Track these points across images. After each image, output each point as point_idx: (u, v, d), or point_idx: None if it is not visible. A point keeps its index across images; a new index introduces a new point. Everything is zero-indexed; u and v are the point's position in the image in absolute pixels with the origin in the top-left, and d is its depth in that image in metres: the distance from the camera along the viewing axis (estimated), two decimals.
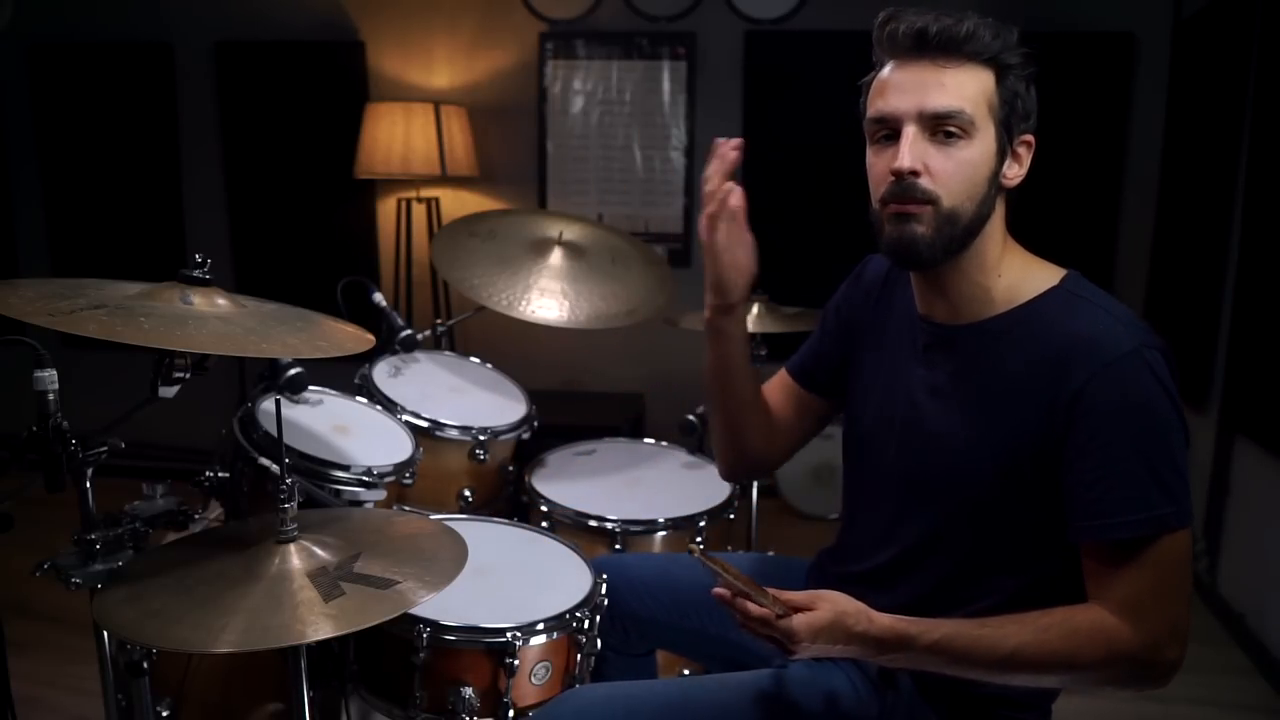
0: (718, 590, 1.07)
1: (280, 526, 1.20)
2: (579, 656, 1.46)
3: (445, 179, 3.72)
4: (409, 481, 1.75)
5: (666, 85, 3.83)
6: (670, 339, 2.54)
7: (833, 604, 1.09)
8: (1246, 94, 2.89)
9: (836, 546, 1.46)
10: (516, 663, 1.37)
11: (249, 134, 4.07)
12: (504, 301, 2.08)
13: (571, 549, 1.64)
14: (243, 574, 1.15)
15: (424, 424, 1.92)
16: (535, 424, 2.13)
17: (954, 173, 1.13)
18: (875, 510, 1.33)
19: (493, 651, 1.38)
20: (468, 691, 1.37)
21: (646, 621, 1.53)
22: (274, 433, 1.36)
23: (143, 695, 1.32)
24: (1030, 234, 1.24)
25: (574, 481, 2.02)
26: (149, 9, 4.02)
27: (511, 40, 3.88)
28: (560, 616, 1.42)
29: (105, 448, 1.18)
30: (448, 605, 1.35)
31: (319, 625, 1.07)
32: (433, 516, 1.49)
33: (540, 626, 1.40)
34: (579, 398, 3.91)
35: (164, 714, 1.48)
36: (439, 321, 2.40)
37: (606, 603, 1.50)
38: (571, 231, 2.26)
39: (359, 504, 1.66)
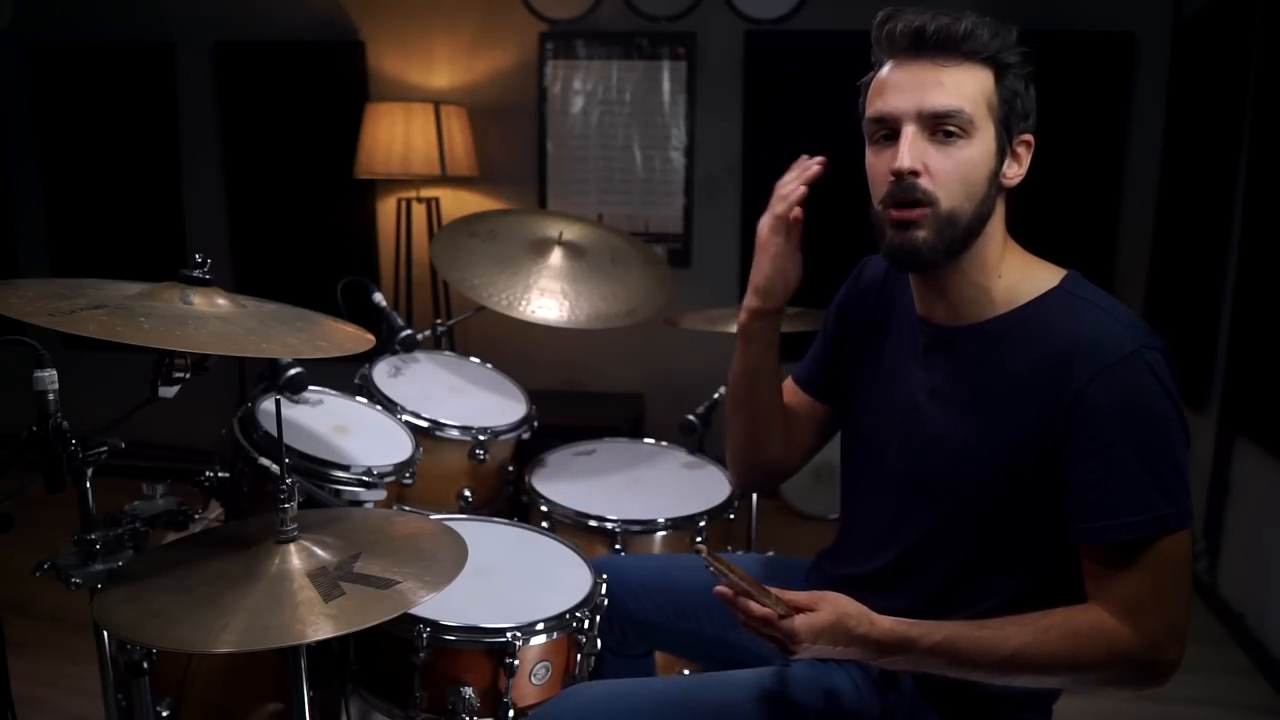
0: (720, 589, 1.07)
1: (280, 526, 1.20)
2: (579, 656, 1.46)
3: (445, 179, 3.72)
4: (409, 481, 1.75)
5: (666, 85, 3.83)
6: (670, 339, 2.54)
7: (834, 605, 1.09)
8: (1246, 94, 2.89)
9: (836, 548, 1.46)
10: (516, 663, 1.37)
11: (249, 134, 4.07)
12: (504, 301, 2.08)
13: (571, 549, 1.64)
14: (243, 574, 1.15)
15: (424, 424, 1.92)
16: (535, 424, 2.13)
17: (953, 172, 1.12)
18: (875, 512, 1.33)
19: (493, 651, 1.38)
20: (468, 691, 1.37)
21: (644, 623, 1.52)
22: (274, 433, 1.36)
23: (143, 695, 1.32)
24: (1030, 234, 1.24)
25: (574, 481, 2.02)
26: (149, 9, 4.02)
27: (511, 40, 3.88)
28: (560, 616, 1.42)
29: (105, 448, 1.18)
30: (448, 605, 1.35)
31: (319, 625, 1.07)
32: (433, 516, 1.49)
33: (540, 626, 1.40)
34: (579, 398, 3.91)
35: (164, 714, 1.48)
36: (439, 321, 2.40)
37: (606, 603, 1.50)
38: (571, 231, 2.26)
39: (359, 504, 1.66)
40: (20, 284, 1.19)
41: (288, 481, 1.20)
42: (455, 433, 1.95)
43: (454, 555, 1.25)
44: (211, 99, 4.06)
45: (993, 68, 1.14)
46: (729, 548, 2.05)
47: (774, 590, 1.08)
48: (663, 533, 1.88)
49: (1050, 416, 1.11)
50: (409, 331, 2.12)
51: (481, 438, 1.97)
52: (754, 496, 2.30)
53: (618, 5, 3.79)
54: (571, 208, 3.86)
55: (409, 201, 3.80)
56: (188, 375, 1.24)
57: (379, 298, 2.14)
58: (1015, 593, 1.18)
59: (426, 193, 3.84)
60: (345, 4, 3.92)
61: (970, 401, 1.20)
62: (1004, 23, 1.14)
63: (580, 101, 3.90)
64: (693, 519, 1.89)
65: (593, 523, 1.85)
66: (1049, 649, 1.08)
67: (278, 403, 1.30)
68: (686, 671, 1.78)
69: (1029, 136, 1.19)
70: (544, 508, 1.90)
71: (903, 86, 1.14)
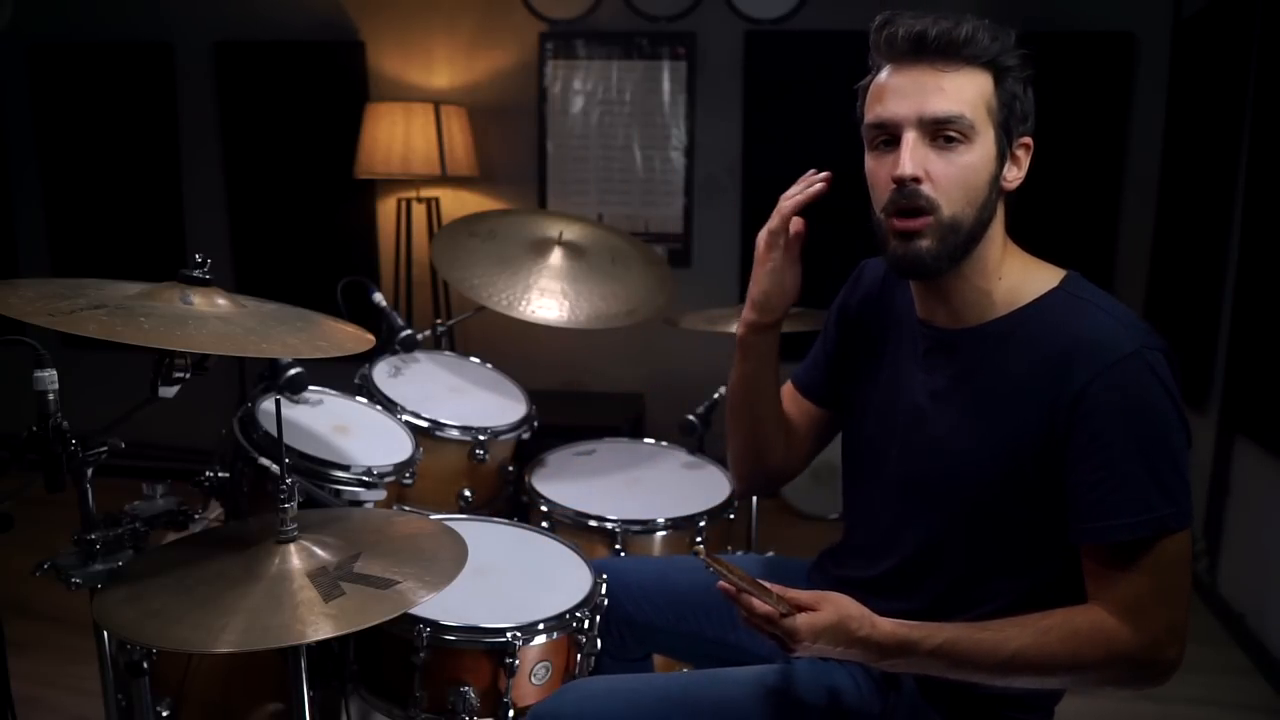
0: (723, 584, 1.07)
1: (280, 526, 1.20)
2: (579, 656, 1.46)
3: (445, 179, 3.72)
4: (409, 481, 1.75)
5: (666, 85, 3.83)
6: (670, 339, 2.54)
7: (836, 606, 1.09)
8: (1246, 94, 2.89)
9: (838, 550, 1.46)
10: (516, 663, 1.37)
11: (249, 134, 4.07)
12: (504, 301, 2.08)
13: (571, 549, 1.64)
14: (243, 574, 1.15)
15: (424, 424, 1.92)
16: (535, 424, 2.13)
17: (955, 178, 1.12)
18: (877, 515, 1.33)
19: (493, 651, 1.38)
20: (468, 691, 1.37)
21: (644, 626, 1.52)
22: (274, 433, 1.36)
23: (143, 695, 1.32)
24: (1030, 234, 1.24)
25: (574, 481, 2.02)
26: (149, 9, 4.02)
27: (511, 40, 3.88)
28: (560, 616, 1.42)
29: (105, 448, 1.18)
30: (448, 605, 1.35)
31: (319, 625, 1.07)
32: (433, 516, 1.49)
33: (540, 626, 1.40)
34: (579, 398, 3.91)
35: (164, 714, 1.48)
36: (439, 321, 2.40)
37: (606, 604, 1.50)
38: (571, 231, 2.26)
39: (359, 504, 1.66)
40: (20, 284, 1.20)
41: (288, 481, 1.20)
42: (455, 433, 1.95)
43: (454, 555, 1.25)
44: (211, 99, 4.06)
45: (992, 71, 1.13)
46: (729, 548, 2.05)
47: (776, 588, 1.08)
48: (663, 533, 1.88)
49: (1051, 417, 1.11)
50: (409, 331, 2.12)
51: (481, 438, 1.97)
52: (754, 497, 2.30)
53: (618, 5, 3.79)
54: (571, 208, 3.86)
55: (409, 201, 3.80)
56: (188, 375, 1.24)
57: (379, 298, 2.14)
58: (1017, 594, 1.18)
59: (426, 193, 3.84)
60: (345, 4, 3.92)
61: (972, 404, 1.20)
62: (1003, 25, 1.14)
63: (580, 101, 3.90)
64: (693, 519, 1.89)
65: (593, 523, 1.86)
66: (1049, 650, 1.08)
67: (278, 403, 1.30)
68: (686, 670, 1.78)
69: (1028, 139, 1.18)
70: (544, 508, 1.90)
71: (903, 92, 1.13)
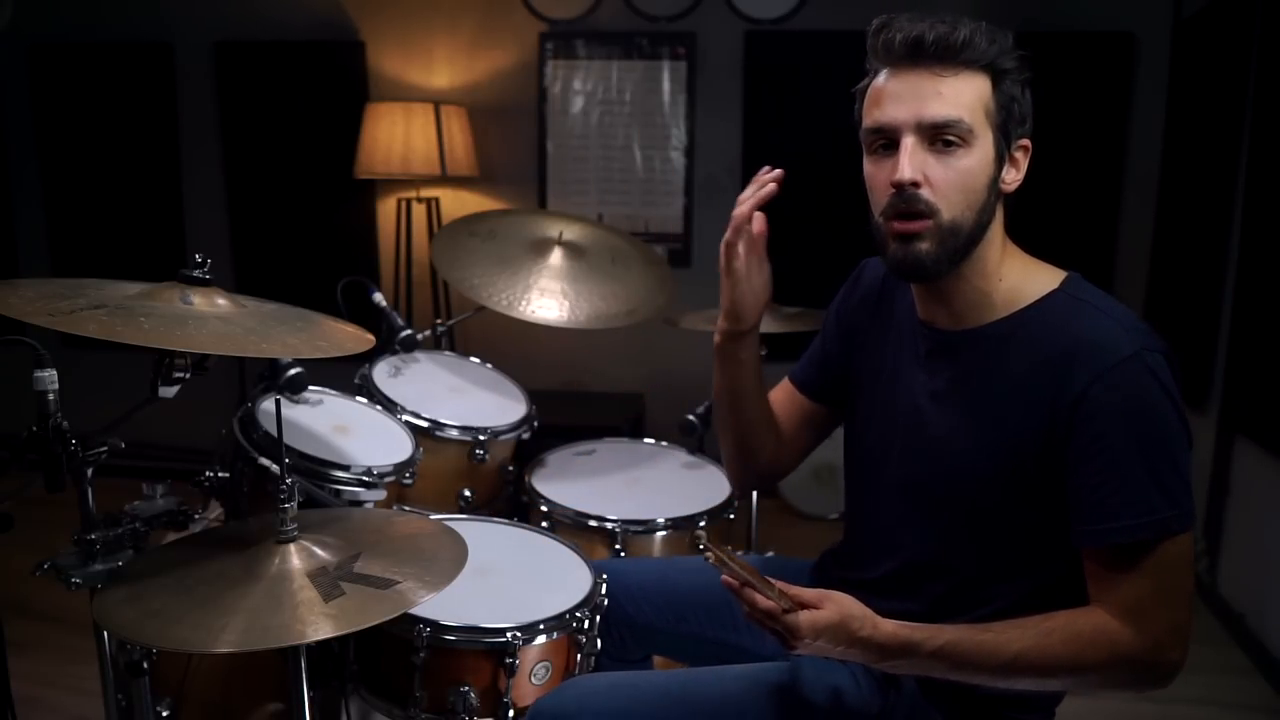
0: (726, 578, 1.07)
1: (280, 526, 1.20)
2: (579, 656, 1.46)
3: (445, 179, 3.72)
4: (409, 481, 1.75)
5: (666, 85, 3.83)
6: (670, 339, 2.54)
7: (839, 606, 1.09)
8: (1246, 94, 2.89)
9: (840, 551, 1.46)
10: (516, 663, 1.37)
11: (249, 134, 4.07)
12: (504, 301, 2.08)
13: (571, 549, 1.64)
14: (243, 574, 1.15)
15: (424, 424, 1.92)
16: (535, 424, 2.13)
17: (954, 182, 1.12)
18: (878, 516, 1.33)
19: (493, 651, 1.38)
20: (468, 691, 1.37)
21: (644, 627, 1.52)
22: (274, 433, 1.36)
23: (143, 695, 1.32)
24: (1030, 234, 1.24)
25: (574, 481, 2.02)
26: (149, 9, 4.02)
27: (511, 40, 3.88)
28: (560, 616, 1.42)
29: (105, 448, 1.18)
30: (448, 605, 1.35)
31: (319, 625, 1.07)
32: (433, 516, 1.49)
33: (540, 626, 1.40)
34: (579, 398, 3.91)
35: (164, 714, 1.48)
36: (439, 321, 2.40)
37: (606, 604, 1.50)
38: (571, 231, 2.26)
39: (359, 504, 1.66)
40: (20, 284, 1.20)
41: (288, 481, 1.20)
42: (455, 433, 1.95)
43: (454, 555, 1.25)
44: (211, 99, 4.06)
45: (990, 74, 1.13)
46: (729, 548, 2.05)
47: (780, 584, 1.08)
48: (663, 533, 1.88)
49: (1052, 419, 1.11)
50: (409, 331, 2.12)
51: (481, 438, 1.97)
52: (754, 497, 2.30)
53: (618, 5, 3.79)
54: (571, 208, 3.86)
55: (409, 201, 3.80)
56: (188, 375, 1.24)
57: (379, 298, 2.14)
58: (1018, 596, 1.18)
59: (426, 193, 3.83)
60: (345, 4, 3.92)
61: (972, 405, 1.20)
62: (1000, 28, 1.14)
63: (580, 101, 3.90)
64: (693, 519, 1.89)
65: (593, 523, 1.85)
66: (1051, 652, 1.08)
67: (278, 403, 1.30)
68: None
69: (1026, 142, 1.18)
70: (544, 508, 1.90)
71: (901, 96, 1.13)
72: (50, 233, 4.26)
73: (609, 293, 2.16)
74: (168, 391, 1.24)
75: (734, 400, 1.42)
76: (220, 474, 1.63)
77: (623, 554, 1.84)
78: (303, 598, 1.11)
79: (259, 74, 4.02)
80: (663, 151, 3.88)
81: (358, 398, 1.94)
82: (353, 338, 1.36)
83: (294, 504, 1.21)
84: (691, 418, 2.11)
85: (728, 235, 1.31)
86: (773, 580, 1.08)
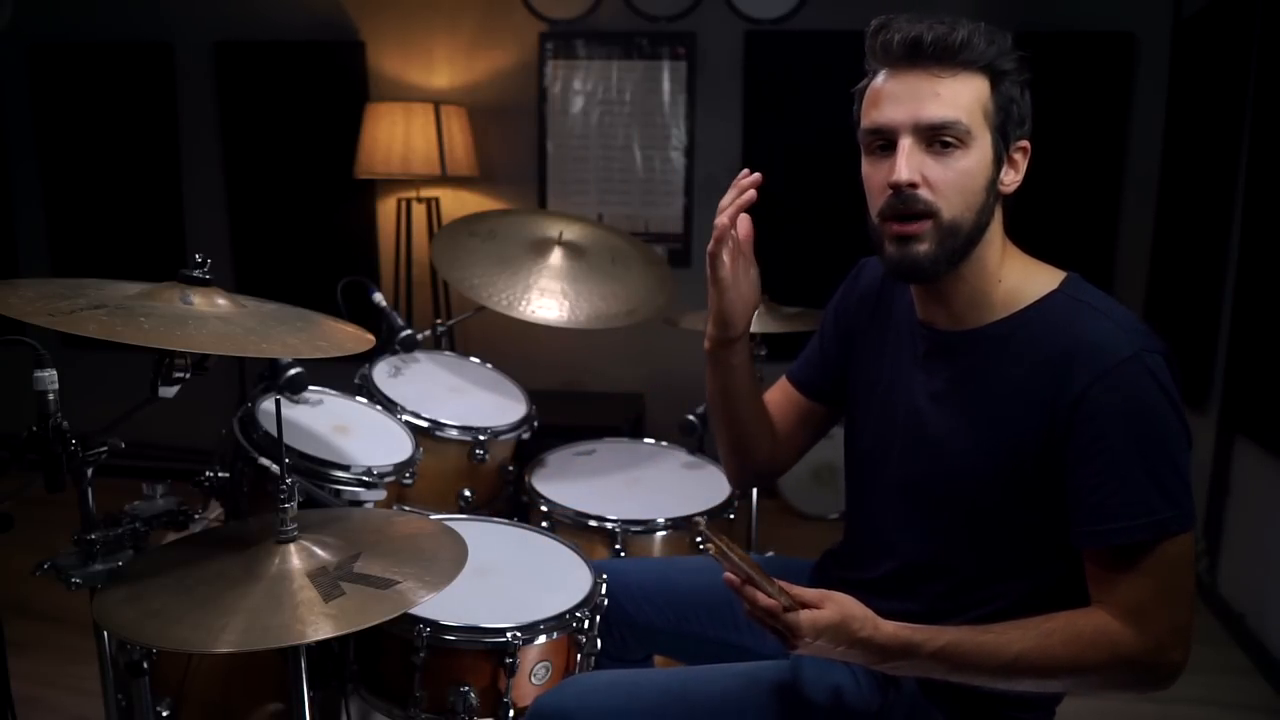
0: (728, 576, 1.07)
1: (280, 526, 1.20)
2: (579, 656, 1.46)
3: (445, 179, 3.72)
4: (409, 481, 1.75)
5: (666, 85, 3.83)
6: (670, 339, 2.54)
7: (840, 606, 1.09)
8: (1246, 94, 2.89)
9: (840, 551, 1.46)
10: (516, 663, 1.37)
11: (249, 134, 4.07)
12: (504, 301, 2.08)
13: (571, 549, 1.64)
14: (243, 574, 1.15)
15: (424, 424, 1.92)
16: (535, 424, 2.13)
17: (952, 183, 1.12)
18: (878, 516, 1.33)
19: (493, 651, 1.38)
20: (468, 691, 1.37)
21: (645, 627, 1.52)
22: (274, 433, 1.36)
23: (143, 695, 1.32)
24: (1030, 234, 1.24)
25: (574, 481, 2.02)
26: (149, 9, 4.02)
27: (511, 40, 3.88)
28: (560, 616, 1.42)
29: (105, 448, 1.18)
30: (448, 605, 1.35)
31: (319, 625, 1.07)
32: (433, 516, 1.49)
33: (540, 626, 1.40)
34: (579, 398, 3.91)
35: (164, 714, 1.48)
36: (439, 321, 2.40)
37: (606, 604, 1.50)
38: (571, 231, 2.26)
39: (359, 504, 1.66)
40: (20, 284, 1.20)
41: (288, 481, 1.20)
42: (455, 433, 1.95)
43: (454, 555, 1.25)
44: (211, 99, 4.06)
45: (988, 75, 1.13)
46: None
47: (781, 583, 1.08)
48: (663, 533, 1.88)
49: (1051, 420, 1.11)
50: (409, 331, 2.12)
51: (481, 438, 1.97)
52: (754, 497, 2.30)
53: (618, 5, 3.79)
54: (571, 208, 3.86)
55: (409, 201, 3.80)
56: (188, 375, 1.24)
57: (379, 298, 2.14)
58: (1019, 596, 1.18)
59: (426, 193, 3.83)
60: (345, 4, 3.92)
61: (971, 406, 1.20)
62: (999, 29, 1.13)
63: (580, 101, 3.90)
64: (693, 519, 1.88)
65: (593, 523, 1.85)
66: (1052, 653, 1.08)
67: (278, 403, 1.30)
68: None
69: (1025, 143, 1.18)
70: (544, 508, 1.90)
71: (898, 97, 1.13)
72: (50, 233, 4.26)
73: (609, 293, 2.16)
74: (168, 391, 1.24)
75: (727, 403, 1.43)
76: (220, 474, 1.63)
77: (623, 554, 1.84)
78: (303, 598, 1.11)
79: (259, 74, 4.02)
80: (663, 151, 3.88)
81: (358, 398, 1.94)
82: (353, 338, 1.36)
83: (294, 504, 1.21)
84: (691, 418, 2.11)
85: (711, 245, 1.29)
86: (775, 580, 1.08)
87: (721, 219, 1.27)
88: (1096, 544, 1.10)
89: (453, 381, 2.18)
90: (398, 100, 3.71)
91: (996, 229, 1.19)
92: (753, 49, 3.75)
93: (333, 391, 1.90)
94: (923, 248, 1.13)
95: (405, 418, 1.91)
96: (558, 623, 1.41)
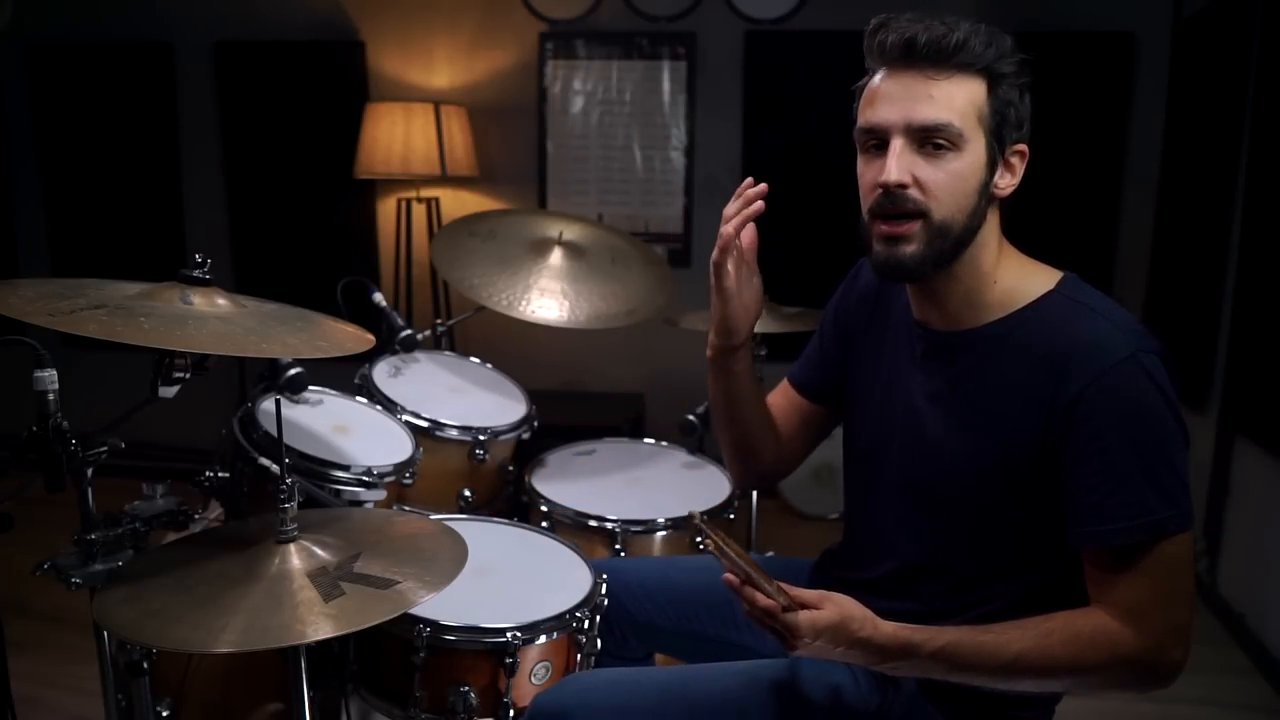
0: (727, 576, 1.07)
1: (280, 526, 1.20)
2: (579, 656, 1.46)
3: (445, 179, 3.72)
4: (409, 481, 1.75)
5: (666, 85, 3.83)
6: (670, 339, 2.54)
7: (839, 606, 1.09)
8: (1246, 94, 2.89)
9: (839, 551, 1.46)
10: (516, 663, 1.37)
11: (249, 134, 4.07)
12: (504, 301, 2.08)
13: (571, 549, 1.64)
14: (243, 574, 1.15)
15: (424, 424, 1.92)
16: (535, 424, 2.13)
17: (944, 184, 1.12)
18: (877, 516, 1.33)
19: (493, 651, 1.38)
20: (468, 691, 1.37)
21: (645, 626, 1.52)
22: (274, 433, 1.36)
23: (143, 695, 1.32)
24: (1030, 234, 1.24)
25: (574, 481, 2.02)
26: (149, 9, 4.02)
27: (511, 40, 3.88)
28: (560, 616, 1.42)
29: (105, 448, 1.18)
30: (448, 605, 1.35)
31: (319, 625, 1.07)
32: (433, 516, 1.49)
33: (540, 626, 1.40)
34: (579, 398, 3.91)
35: (164, 714, 1.48)
36: (439, 321, 2.40)
37: (606, 604, 1.50)
38: (571, 231, 2.26)
39: (359, 504, 1.66)
40: (20, 284, 1.20)
41: (288, 481, 1.20)
42: (455, 433, 1.95)
43: (454, 555, 1.25)
44: (211, 99, 4.06)
45: (986, 78, 1.12)
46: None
47: (780, 584, 1.08)
48: (663, 533, 1.88)
49: (1048, 420, 1.11)
50: (409, 331, 2.12)
51: (481, 438, 1.97)
52: (754, 497, 2.30)
53: (618, 5, 3.79)
54: (571, 208, 3.86)
55: (409, 201, 3.80)
56: (188, 375, 1.24)
57: (379, 298, 2.14)
58: (1017, 596, 1.18)
59: (426, 193, 3.83)
60: (345, 4, 3.92)
61: (968, 406, 1.20)
62: (999, 31, 1.13)
63: (580, 101, 3.90)
64: (690, 514, 1.88)
65: (593, 523, 1.85)
66: (1051, 653, 1.08)
67: (278, 403, 1.30)
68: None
69: (1023, 147, 1.17)
70: (544, 508, 1.90)
71: (892, 98, 1.13)
72: (50, 233, 4.26)
73: (609, 293, 2.16)
74: (168, 391, 1.24)
75: (730, 407, 1.43)
76: (220, 474, 1.63)
77: (623, 554, 1.84)
78: (303, 598, 1.11)
79: (259, 74, 4.02)
80: (663, 151, 3.88)
81: (358, 398, 1.94)
82: (353, 338, 1.36)
83: (294, 504, 1.21)
84: (691, 418, 2.11)
85: (715, 255, 1.29)
86: (774, 580, 1.08)
87: (727, 229, 1.27)
88: (1094, 544, 1.10)
89: (453, 381, 2.18)
90: (398, 100, 3.71)
91: (991, 231, 1.19)
92: (753, 49, 3.75)
93: (333, 391, 1.91)
94: (910, 248, 1.13)
95: (405, 418, 1.91)
96: (558, 623, 1.41)
